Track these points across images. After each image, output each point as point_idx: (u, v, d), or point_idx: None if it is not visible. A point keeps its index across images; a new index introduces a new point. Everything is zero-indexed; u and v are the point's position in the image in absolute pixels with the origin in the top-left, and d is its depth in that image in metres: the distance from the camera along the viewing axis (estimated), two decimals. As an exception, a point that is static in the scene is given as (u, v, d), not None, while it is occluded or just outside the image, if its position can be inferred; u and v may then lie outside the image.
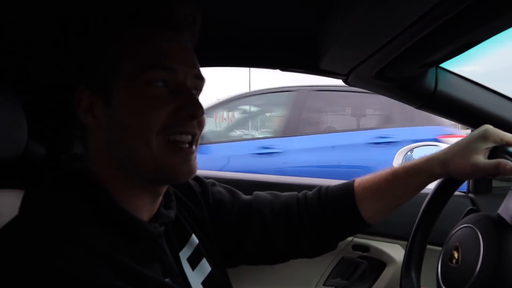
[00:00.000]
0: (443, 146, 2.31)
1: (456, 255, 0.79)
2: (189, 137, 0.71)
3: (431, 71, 1.18)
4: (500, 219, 0.77)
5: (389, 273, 1.49)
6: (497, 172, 0.77)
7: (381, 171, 0.95)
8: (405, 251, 0.95)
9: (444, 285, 0.80)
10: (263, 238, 0.95)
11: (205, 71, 0.77)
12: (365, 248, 1.50)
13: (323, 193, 0.97)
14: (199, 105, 0.70)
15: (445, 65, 1.17)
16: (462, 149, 0.83)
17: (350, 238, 1.48)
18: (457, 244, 0.81)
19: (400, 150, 2.70)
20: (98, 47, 0.70)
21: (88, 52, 0.71)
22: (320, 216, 0.94)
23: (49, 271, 0.57)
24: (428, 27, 0.76)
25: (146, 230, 0.72)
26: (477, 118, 1.26)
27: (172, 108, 0.69)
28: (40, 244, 0.59)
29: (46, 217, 0.64)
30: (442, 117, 1.32)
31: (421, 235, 0.94)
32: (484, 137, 0.81)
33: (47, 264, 0.57)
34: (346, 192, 0.95)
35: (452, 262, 0.79)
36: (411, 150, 2.60)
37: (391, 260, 1.48)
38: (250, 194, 1.49)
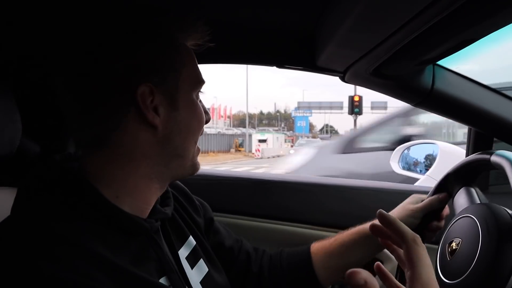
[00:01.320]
0: (439, 144, 2.32)
1: (454, 245, 0.79)
2: None
3: (428, 69, 1.17)
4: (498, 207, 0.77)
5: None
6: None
7: (337, 235, 1.10)
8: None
9: (443, 275, 0.80)
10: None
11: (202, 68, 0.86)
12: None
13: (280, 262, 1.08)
14: (209, 113, 0.84)
15: (442, 62, 1.16)
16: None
17: (347, 236, 1.48)
18: (456, 234, 0.80)
19: (397, 148, 2.70)
20: (169, 50, 0.76)
21: (160, 52, 0.74)
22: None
23: (34, 273, 0.57)
24: (425, 24, 0.76)
25: (141, 225, 0.72)
26: (474, 116, 1.26)
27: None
28: (28, 245, 0.59)
29: (36, 217, 0.64)
30: (440, 115, 1.32)
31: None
32: None
33: (33, 266, 0.57)
34: (303, 259, 1.08)
35: (450, 253, 0.79)
36: (408, 148, 2.61)
37: (388, 257, 1.47)
38: (250, 193, 1.50)
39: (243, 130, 49.37)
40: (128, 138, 0.72)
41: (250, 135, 40.12)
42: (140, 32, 0.73)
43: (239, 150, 39.17)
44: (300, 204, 1.50)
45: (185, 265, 0.82)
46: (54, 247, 0.59)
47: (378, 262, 0.70)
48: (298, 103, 50.12)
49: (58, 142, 1.15)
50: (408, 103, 1.28)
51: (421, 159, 2.56)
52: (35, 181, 0.70)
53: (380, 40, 0.88)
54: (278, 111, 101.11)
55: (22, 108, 0.92)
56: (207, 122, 0.82)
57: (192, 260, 0.86)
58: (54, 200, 0.67)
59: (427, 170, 2.34)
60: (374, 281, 0.52)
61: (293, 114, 47.62)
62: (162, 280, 0.73)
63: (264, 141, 37.01)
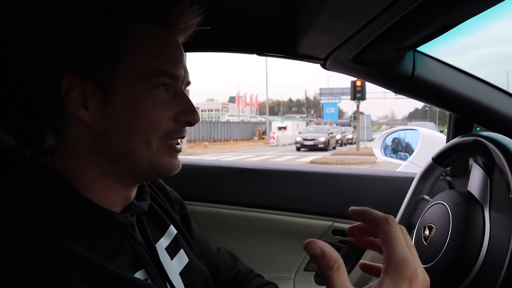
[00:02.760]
0: (421, 130, 2.34)
1: (428, 231, 0.80)
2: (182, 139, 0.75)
3: (409, 55, 1.18)
4: (469, 194, 0.77)
5: (369, 256, 1.50)
6: None
7: None
8: None
9: None
10: None
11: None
12: (345, 232, 1.50)
13: None
14: (196, 112, 0.73)
15: (422, 48, 1.17)
16: None
17: (330, 223, 1.49)
18: (430, 220, 0.82)
19: (380, 134, 2.72)
20: (104, 36, 0.68)
21: (91, 38, 0.68)
22: None
23: (0, 271, 0.55)
24: (404, 10, 0.75)
25: (116, 219, 0.71)
26: (454, 101, 1.27)
27: (172, 113, 0.71)
28: None
29: (1, 214, 0.61)
30: (420, 101, 1.33)
31: (408, 215, 0.97)
32: None
33: None
34: None
35: (425, 238, 0.80)
36: (390, 134, 2.63)
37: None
38: (233, 182, 1.49)
39: (269, 117, 49.12)
40: (72, 132, 0.70)
41: (270, 123, 39.72)
42: (62, 19, 0.68)
43: (263, 138, 38.49)
44: (283, 192, 1.50)
45: (165, 256, 0.81)
46: (20, 243, 0.57)
47: (362, 261, 0.70)
48: (320, 89, 48.61)
49: (34, 136, 1.12)
50: (389, 89, 1.28)
51: (403, 145, 2.58)
52: (3, 177, 0.67)
53: (360, 26, 0.87)
54: (307, 98, 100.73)
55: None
56: (189, 123, 0.73)
57: (173, 250, 0.84)
58: (22, 195, 0.64)
59: (409, 156, 2.37)
60: (333, 251, 0.50)
61: (321, 101, 46.86)
62: (139, 273, 0.71)
63: (284, 128, 36.76)
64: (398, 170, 2.12)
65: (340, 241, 1.53)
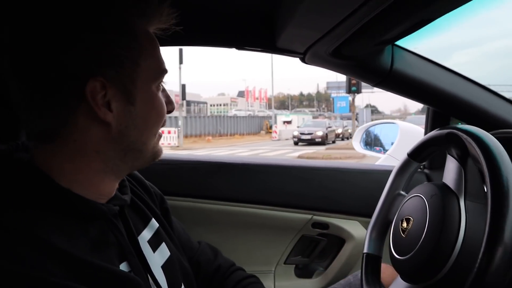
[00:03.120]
0: (400, 123, 2.37)
1: (405, 224, 0.82)
2: None
3: (387, 49, 1.18)
4: (444, 185, 0.79)
5: (348, 249, 1.52)
6: None
7: None
8: (369, 227, 0.99)
9: (395, 251, 0.83)
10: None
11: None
12: (325, 225, 1.52)
13: None
14: (173, 102, 0.80)
15: (400, 43, 1.18)
16: None
17: (309, 216, 1.50)
18: (408, 213, 0.83)
19: (360, 127, 2.74)
20: (123, 39, 0.69)
21: (115, 45, 0.68)
22: None
23: None
24: (382, 4, 0.76)
25: (99, 209, 0.71)
26: (432, 95, 1.29)
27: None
28: None
29: None
30: (399, 94, 1.34)
31: (385, 212, 0.98)
32: None
33: None
34: None
35: (402, 231, 0.81)
36: (369, 128, 2.65)
37: (350, 236, 1.51)
38: (211, 176, 1.49)
39: (276, 111, 48.75)
40: (78, 134, 0.69)
41: (275, 117, 39.33)
42: (88, 22, 0.67)
43: (270, 132, 37.50)
44: (263, 186, 1.50)
45: (147, 249, 0.81)
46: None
47: None
48: (327, 83, 48.03)
49: (9, 131, 1.10)
50: (367, 83, 1.29)
51: (382, 138, 2.60)
52: None
53: (339, 20, 0.87)
54: (318, 92, 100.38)
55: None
56: (170, 112, 0.79)
57: (155, 243, 0.84)
58: (3, 191, 0.64)
59: (387, 149, 2.39)
60: None
61: (332, 95, 46.24)
62: (123, 265, 0.71)
63: (288, 122, 36.43)
64: (377, 163, 2.15)
65: (320, 234, 1.54)
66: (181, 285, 0.87)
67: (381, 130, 2.61)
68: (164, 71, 0.76)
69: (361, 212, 1.50)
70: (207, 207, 1.49)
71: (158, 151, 0.79)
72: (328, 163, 1.74)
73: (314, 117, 44.10)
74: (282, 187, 1.51)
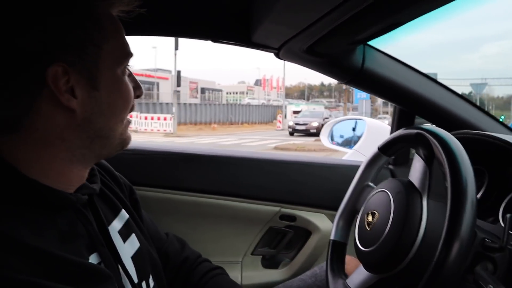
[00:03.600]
0: (367, 120, 2.42)
1: (371, 217, 0.85)
2: None
3: (359, 48, 1.22)
4: (410, 183, 0.83)
5: (314, 241, 1.55)
6: None
7: None
8: (336, 219, 1.03)
9: (360, 243, 0.87)
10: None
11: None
12: (292, 218, 1.55)
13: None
14: (141, 86, 0.79)
15: (372, 43, 1.21)
16: None
17: (277, 209, 1.53)
18: (373, 207, 0.87)
19: (327, 123, 2.79)
20: (83, 22, 0.67)
21: (72, 26, 0.66)
22: None
23: None
24: (358, 6, 0.79)
25: (66, 198, 0.69)
26: (399, 94, 1.33)
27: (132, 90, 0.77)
28: None
29: None
30: (368, 93, 1.38)
31: (353, 201, 1.02)
32: None
33: None
34: None
35: (368, 224, 0.85)
36: (338, 123, 2.70)
37: (316, 228, 1.54)
38: (183, 167, 1.49)
39: (292, 101, 47.66)
40: (42, 122, 0.66)
41: (286, 107, 38.61)
42: (45, 3, 0.64)
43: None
44: (232, 178, 1.52)
45: (117, 239, 0.80)
46: None
47: None
48: None
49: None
50: (339, 80, 1.32)
51: (349, 134, 2.66)
52: None
53: (316, 19, 0.89)
54: (339, 82, 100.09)
55: None
56: (138, 97, 0.78)
57: (125, 234, 0.84)
58: None
59: (354, 144, 2.44)
60: None
61: None
62: (93, 256, 0.70)
63: (298, 112, 35.71)
64: (344, 158, 2.19)
65: (287, 226, 1.57)
66: (149, 276, 0.86)
67: (349, 126, 2.67)
68: (129, 55, 0.74)
69: (328, 205, 1.53)
70: (176, 198, 1.49)
71: (126, 138, 0.77)
72: (298, 157, 1.77)
73: (328, 108, 44.00)
74: (251, 180, 1.53)
